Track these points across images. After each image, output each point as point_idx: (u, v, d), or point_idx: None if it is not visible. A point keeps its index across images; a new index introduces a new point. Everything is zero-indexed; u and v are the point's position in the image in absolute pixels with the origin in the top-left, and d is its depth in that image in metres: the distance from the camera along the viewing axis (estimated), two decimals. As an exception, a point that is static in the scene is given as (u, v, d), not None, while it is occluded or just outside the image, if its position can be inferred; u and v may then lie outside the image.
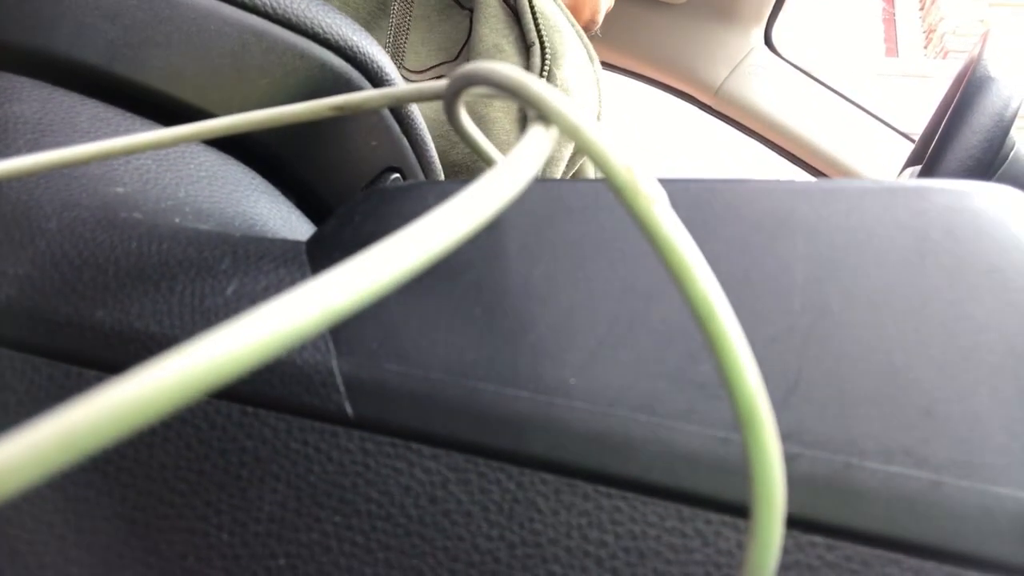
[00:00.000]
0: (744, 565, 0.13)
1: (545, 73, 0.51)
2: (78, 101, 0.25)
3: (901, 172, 0.75)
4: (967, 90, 0.55)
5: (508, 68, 0.13)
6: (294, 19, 0.28)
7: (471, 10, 0.55)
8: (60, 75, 0.26)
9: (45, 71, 0.26)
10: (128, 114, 0.26)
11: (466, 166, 0.51)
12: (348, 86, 0.30)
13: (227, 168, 0.27)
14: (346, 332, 0.19)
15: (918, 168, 0.66)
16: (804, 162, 1.08)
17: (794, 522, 0.16)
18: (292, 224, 0.28)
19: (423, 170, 0.35)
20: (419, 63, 0.55)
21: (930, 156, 0.56)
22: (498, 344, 0.18)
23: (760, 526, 0.12)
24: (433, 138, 0.36)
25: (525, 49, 0.53)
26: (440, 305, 0.19)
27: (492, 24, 0.53)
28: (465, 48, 0.55)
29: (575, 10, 0.64)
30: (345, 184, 0.32)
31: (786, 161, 1.11)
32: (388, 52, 0.54)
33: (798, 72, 1.09)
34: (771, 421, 0.12)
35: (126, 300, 0.20)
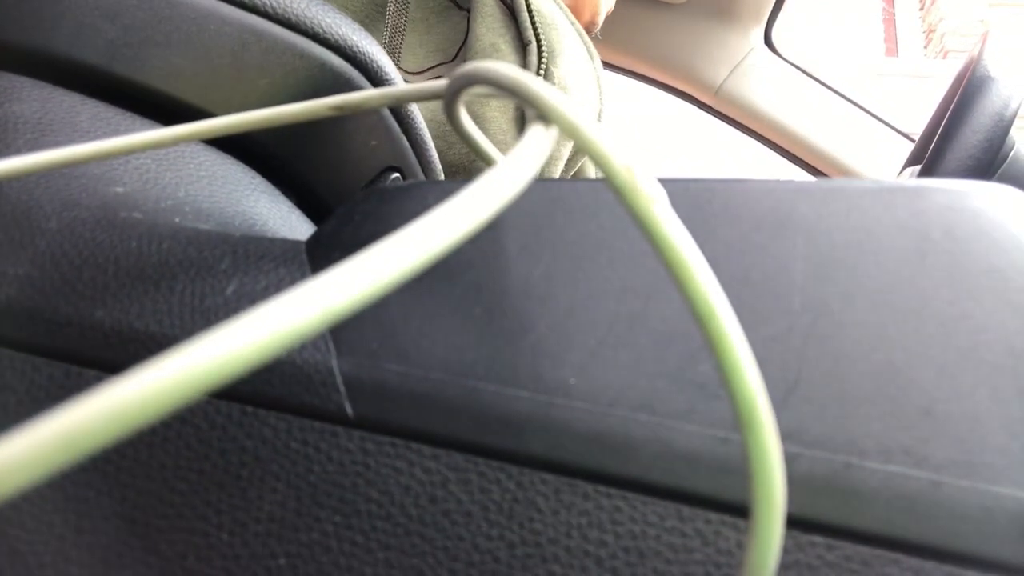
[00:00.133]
0: (744, 565, 0.13)
1: (542, 71, 0.51)
2: (78, 101, 0.25)
3: (901, 172, 0.75)
4: (967, 90, 0.55)
5: (508, 67, 0.13)
6: (294, 19, 0.28)
7: (469, 11, 0.55)
8: (60, 75, 0.26)
9: (45, 71, 0.26)
10: (128, 114, 0.26)
11: (464, 166, 0.51)
12: (348, 86, 0.30)
13: (227, 168, 0.27)
14: (346, 332, 0.19)
15: (918, 168, 0.66)
16: (804, 162, 1.08)
17: (794, 522, 0.16)
18: (292, 224, 0.28)
19: (423, 170, 0.35)
20: (417, 64, 0.55)
21: (930, 156, 0.56)
22: (498, 344, 0.18)
23: (760, 526, 0.12)
24: (431, 138, 0.36)
25: (522, 48, 0.53)
26: (440, 305, 0.19)
27: (489, 23, 0.53)
28: (463, 49, 0.55)
29: (575, 11, 0.64)
30: (345, 184, 0.32)
31: (786, 161, 1.11)
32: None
33: (798, 72, 1.09)
34: (771, 421, 0.12)
35: (126, 300, 0.20)
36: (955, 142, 0.54)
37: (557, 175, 0.57)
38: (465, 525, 0.18)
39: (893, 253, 0.18)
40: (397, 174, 0.34)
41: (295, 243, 0.21)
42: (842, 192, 0.19)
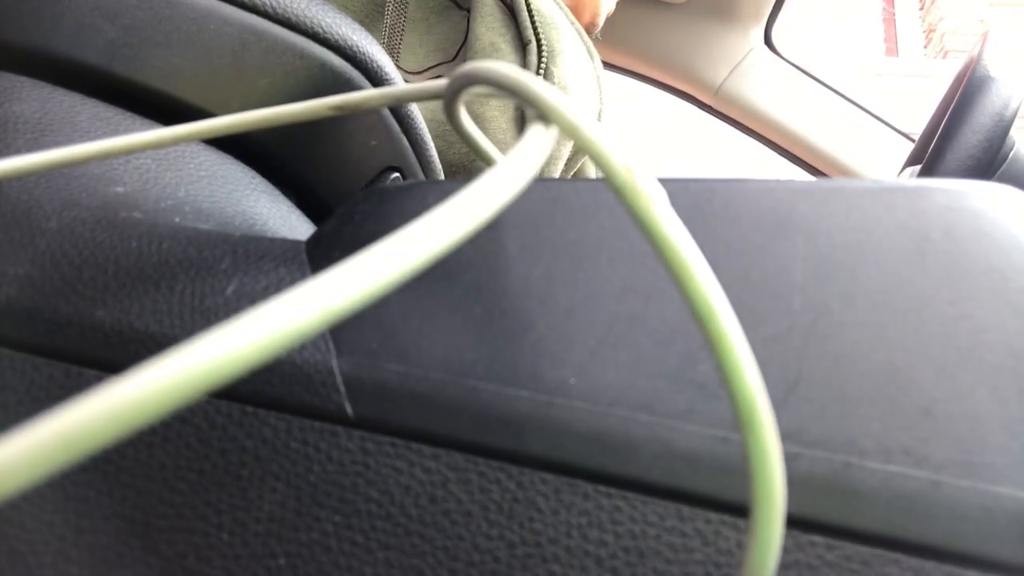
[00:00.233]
0: (744, 565, 0.13)
1: (542, 71, 0.51)
2: (78, 101, 0.25)
3: (901, 172, 0.75)
4: (967, 90, 0.55)
5: (508, 67, 0.13)
6: (294, 19, 0.28)
7: (469, 10, 0.55)
8: (60, 75, 0.26)
9: (45, 71, 0.26)
10: (128, 114, 0.26)
11: (464, 166, 0.51)
12: (348, 86, 0.30)
13: (227, 167, 0.27)
14: (346, 332, 0.19)
15: (918, 168, 0.66)
16: (804, 162, 1.08)
17: (794, 522, 0.16)
18: (292, 224, 0.28)
19: (423, 170, 0.35)
20: (417, 64, 0.55)
21: (930, 156, 0.56)
22: (498, 344, 0.18)
23: (760, 526, 0.12)
24: (431, 138, 0.36)
25: (521, 47, 0.53)
26: (440, 305, 0.19)
27: (488, 23, 0.53)
28: (463, 48, 0.55)
29: (575, 12, 0.64)
30: (345, 184, 0.32)
31: (786, 161, 1.11)
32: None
33: (798, 72, 1.09)
34: (771, 421, 0.12)
35: (126, 300, 0.20)
36: (955, 142, 0.54)
37: (557, 175, 0.57)
38: (465, 525, 0.18)
39: (893, 253, 0.18)
40: (397, 174, 0.34)
41: (295, 243, 0.21)
42: (842, 192, 0.19)
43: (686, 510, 0.17)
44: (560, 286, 0.19)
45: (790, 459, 0.16)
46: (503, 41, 0.52)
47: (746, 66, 1.08)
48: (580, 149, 0.12)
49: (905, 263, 0.18)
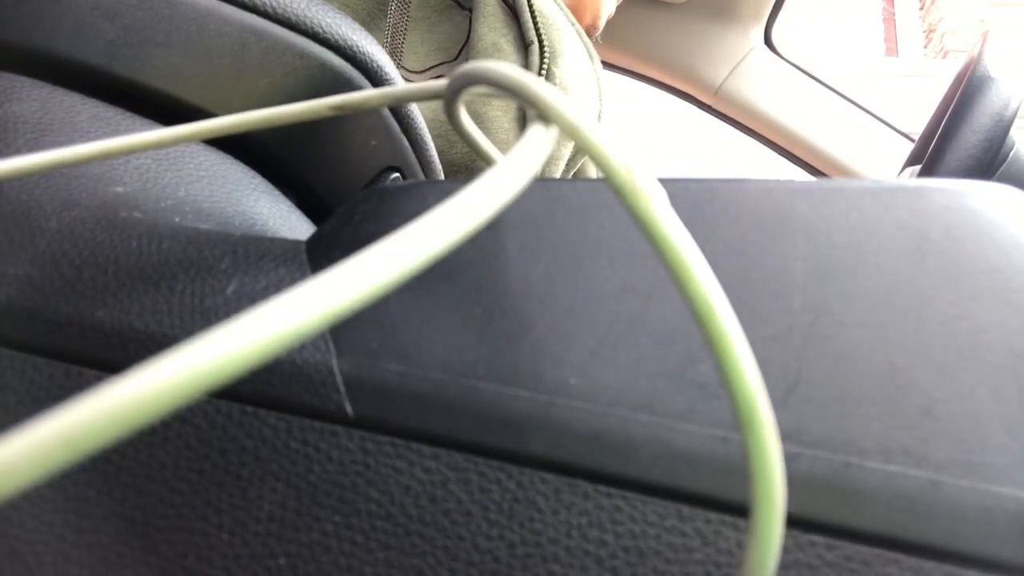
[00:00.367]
0: (744, 565, 0.13)
1: (543, 71, 0.51)
2: (78, 101, 0.25)
3: (901, 172, 0.75)
4: (967, 90, 0.55)
5: (508, 67, 0.13)
6: (294, 19, 0.28)
7: (471, 10, 0.55)
8: (60, 75, 0.26)
9: (45, 71, 0.26)
10: (128, 114, 0.26)
11: (465, 166, 0.51)
12: (348, 86, 0.30)
13: (227, 167, 0.27)
14: (346, 332, 0.19)
15: (918, 168, 0.66)
16: (804, 162, 1.08)
17: (794, 522, 0.16)
18: (292, 224, 0.28)
19: (423, 170, 0.35)
20: (418, 63, 0.55)
21: (930, 156, 0.56)
22: (498, 344, 0.18)
23: (760, 525, 0.12)
24: (431, 138, 0.36)
25: (523, 48, 0.53)
26: (440, 305, 0.19)
27: (491, 23, 0.53)
28: (465, 48, 0.55)
29: (576, 13, 0.64)
30: (345, 184, 0.32)
31: (786, 161, 1.11)
32: (386, 52, 0.54)
33: (798, 72, 1.09)
34: (771, 421, 0.12)
35: (126, 299, 0.20)
36: (955, 142, 0.54)
37: (557, 175, 0.57)
38: (465, 525, 0.18)
39: (893, 253, 0.18)
40: (397, 174, 0.34)
41: (295, 243, 0.21)
42: (842, 192, 0.19)
43: (686, 510, 0.17)
44: (560, 286, 0.19)
45: (790, 459, 0.16)
46: (505, 41, 0.52)
47: (746, 66, 1.08)
48: (580, 149, 0.12)
49: (905, 263, 0.18)
